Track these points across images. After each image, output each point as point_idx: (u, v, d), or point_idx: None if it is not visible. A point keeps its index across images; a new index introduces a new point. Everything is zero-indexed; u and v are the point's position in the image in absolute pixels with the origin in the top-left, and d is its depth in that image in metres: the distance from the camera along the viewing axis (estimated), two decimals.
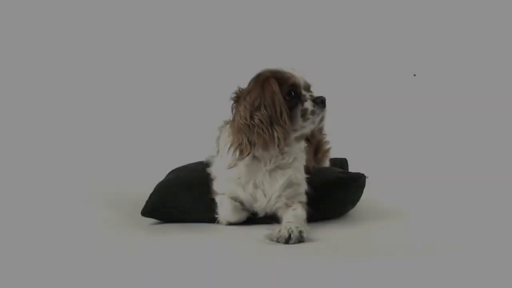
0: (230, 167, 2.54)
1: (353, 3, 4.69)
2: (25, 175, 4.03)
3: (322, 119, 2.53)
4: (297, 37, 4.63)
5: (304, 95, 2.51)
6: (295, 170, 2.61)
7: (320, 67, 4.28)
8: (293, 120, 2.50)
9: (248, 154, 2.49)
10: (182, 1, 4.72)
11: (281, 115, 2.44)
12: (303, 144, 2.68)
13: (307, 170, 2.75)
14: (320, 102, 2.49)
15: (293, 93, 2.50)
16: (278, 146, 2.46)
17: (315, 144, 3.09)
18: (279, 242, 2.31)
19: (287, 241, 2.30)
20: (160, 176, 2.99)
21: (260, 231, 2.40)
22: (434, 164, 4.17)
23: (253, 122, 2.44)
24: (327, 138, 3.26)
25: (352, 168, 3.45)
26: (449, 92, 4.60)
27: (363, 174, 2.86)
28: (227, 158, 2.55)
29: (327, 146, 3.29)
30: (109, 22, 4.69)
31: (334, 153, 3.39)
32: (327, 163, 3.27)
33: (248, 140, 2.46)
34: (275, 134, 2.43)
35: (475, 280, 1.90)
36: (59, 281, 1.94)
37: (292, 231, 2.32)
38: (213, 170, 2.73)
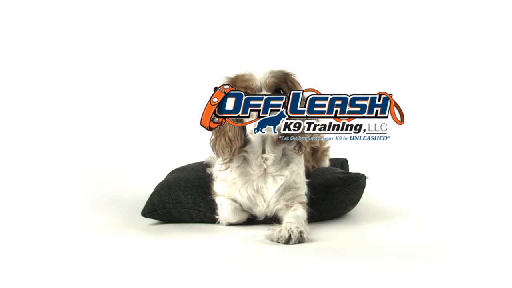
0: (222, 170, 2.57)
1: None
2: (24, 176, 4.02)
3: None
4: (297, 38, 4.64)
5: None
6: (294, 175, 2.58)
7: (320, 67, 4.31)
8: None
9: (226, 156, 2.50)
10: (186, 2, 4.74)
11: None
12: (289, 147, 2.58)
13: (307, 170, 2.75)
14: None
15: None
16: (226, 151, 2.47)
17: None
18: (279, 242, 2.31)
19: (288, 241, 2.30)
20: (160, 176, 3.00)
21: (260, 232, 2.40)
22: (434, 164, 4.17)
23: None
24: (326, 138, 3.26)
25: (352, 168, 3.46)
26: (449, 92, 4.61)
27: (363, 174, 2.86)
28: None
29: (326, 145, 3.29)
30: (110, 20, 4.70)
31: (334, 153, 3.40)
32: (326, 163, 3.27)
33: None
34: (222, 140, 2.48)
35: (475, 280, 1.90)
36: (59, 281, 1.94)
37: (292, 232, 2.31)
38: (214, 171, 2.74)
